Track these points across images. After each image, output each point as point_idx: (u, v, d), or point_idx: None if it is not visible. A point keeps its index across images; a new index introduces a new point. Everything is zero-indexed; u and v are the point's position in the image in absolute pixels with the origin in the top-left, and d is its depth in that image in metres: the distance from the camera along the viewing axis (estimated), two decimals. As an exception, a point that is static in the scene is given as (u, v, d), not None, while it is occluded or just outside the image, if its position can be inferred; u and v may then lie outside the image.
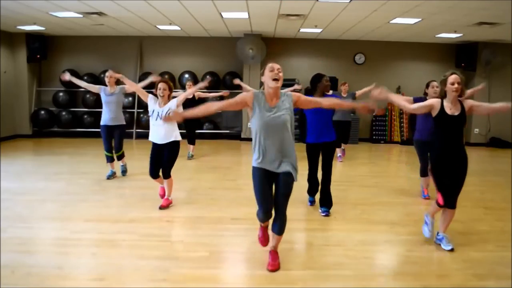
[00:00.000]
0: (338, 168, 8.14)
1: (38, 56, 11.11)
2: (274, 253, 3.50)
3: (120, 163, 6.69)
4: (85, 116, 11.44)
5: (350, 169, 8.06)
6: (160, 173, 5.00)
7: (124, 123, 6.54)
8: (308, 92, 4.81)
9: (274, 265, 3.42)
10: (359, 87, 11.75)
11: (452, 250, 3.83)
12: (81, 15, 8.49)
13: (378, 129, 11.99)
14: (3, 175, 6.51)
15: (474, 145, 11.43)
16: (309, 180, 5.12)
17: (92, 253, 3.67)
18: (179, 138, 4.91)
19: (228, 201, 5.39)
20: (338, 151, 8.58)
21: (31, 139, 11.17)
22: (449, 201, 3.82)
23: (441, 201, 3.83)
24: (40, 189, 5.83)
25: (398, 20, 8.52)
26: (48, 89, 11.77)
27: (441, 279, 3.28)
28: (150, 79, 6.19)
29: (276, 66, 3.18)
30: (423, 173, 5.63)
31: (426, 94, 5.46)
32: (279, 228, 3.34)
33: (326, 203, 4.92)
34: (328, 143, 4.82)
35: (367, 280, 3.30)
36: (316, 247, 3.96)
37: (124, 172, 6.71)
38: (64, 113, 11.43)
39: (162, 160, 4.88)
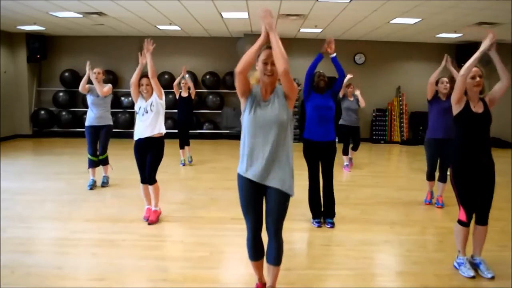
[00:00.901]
0: (338, 168, 8.13)
1: (38, 56, 11.12)
2: None
3: (103, 173, 6.12)
4: (85, 116, 11.35)
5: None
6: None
7: (111, 123, 6.15)
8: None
9: None
10: (359, 87, 11.82)
11: (493, 278, 3.26)
12: (81, 15, 8.49)
13: (378, 129, 11.99)
14: (3, 175, 6.50)
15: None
16: (310, 193, 4.55)
17: (92, 253, 3.67)
18: (163, 130, 4.54)
19: (228, 201, 5.38)
20: (345, 160, 7.81)
21: (31, 139, 11.17)
22: (480, 217, 3.32)
23: (463, 217, 3.29)
24: (40, 189, 5.83)
25: (398, 20, 8.52)
26: (48, 89, 11.77)
27: (441, 279, 3.28)
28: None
29: (271, 57, 2.58)
30: (430, 177, 5.37)
31: (436, 92, 5.19)
32: (276, 256, 2.74)
33: (331, 213, 4.55)
34: (326, 142, 4.43)
35: (367, 280, 3.30)
36: (316, 247, 3.96)
37: (105, 183, 6.09)
38: (64, 113, 11.43)
39: (147, 160, 4.48)
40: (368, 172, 7.76)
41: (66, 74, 11.38)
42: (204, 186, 6.28)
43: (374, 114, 11.98)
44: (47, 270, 3.27)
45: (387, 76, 12.06)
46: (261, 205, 2.74)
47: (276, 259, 2.75)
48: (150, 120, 4.42)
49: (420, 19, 8.29)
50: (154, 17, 8.71)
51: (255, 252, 2.82)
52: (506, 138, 11.52)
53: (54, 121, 11.48)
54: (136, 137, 4.49)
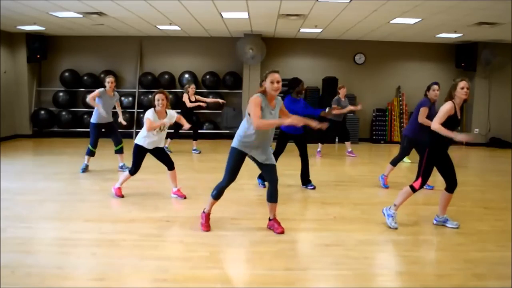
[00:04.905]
0: (338, 168, 8.15)
1: (38, 56, 11.10)
2: (277, 220, 4.26)
3: (120, 161, 7.08)
4: (85, 116, 11.41)
5: (350, 169, 8.06)
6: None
7: (112, 119, 7.08)
8: (287, 92, 6.07)
9: (282, 228, 4.18)
10: (359, 87, 11.86)
11: (458, 227, 4.45)
12: (81, 15, 8.49)
13: (378, 129, 11.99)
14: (3, 175, 6.50)
15: (474, 145, 11.42)
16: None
17: (92, 253, 3.67)
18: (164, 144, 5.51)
19: (228, 201, 5.37)
20: (348, 146, 9.25)
21: (31, 139, 11.16)
22: (450, 187, 4.39)
23: (417, 186, 4.36)
24: (40, 189, 5.83)
25: (398, 20, 8.52)
26: (48, 89, 11.77)
27: (441, 279, 3.28)
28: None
29: (276, 78, 3.85)
30: (396, 163, 6.25)
31: (426, 95, 5.81)
32: (275, 197, 4.15)
33: (308, 180, 6.09)
34: (299, 135, 5.89)
35: (367, 280, 3.30)
36: (316, 247, 3.96)
37: (126, 169, 6.84)
38: (64, 113, 11.43)
39: (161, 157, 5.39)
40: (368, 172, 7.76)
41: (66, 74, 11.38)
42: (204, 186, 6.26)
43: (374, 114, 11.98)
44: (47, 270, 3.27)
45: (387, 76, 12.06)
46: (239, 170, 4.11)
47: (275, 198, 4.16)
48: (161, 137, 5.25)
49: (420, 19, 8.29)
50: (154, 17, 8.70)
51: (220, 195, 4.24)
52: (506, 138, 11.52)
53: (54, 121, 11.48)
54: (150, 147, 5.22)
